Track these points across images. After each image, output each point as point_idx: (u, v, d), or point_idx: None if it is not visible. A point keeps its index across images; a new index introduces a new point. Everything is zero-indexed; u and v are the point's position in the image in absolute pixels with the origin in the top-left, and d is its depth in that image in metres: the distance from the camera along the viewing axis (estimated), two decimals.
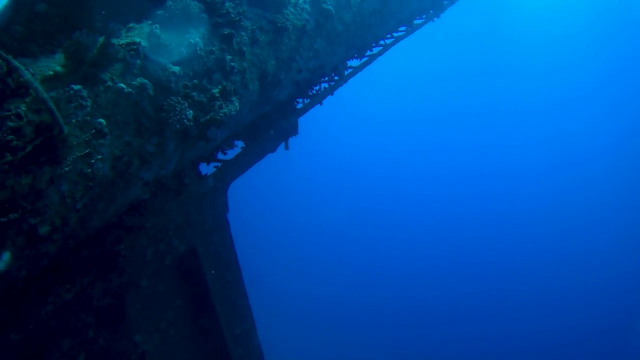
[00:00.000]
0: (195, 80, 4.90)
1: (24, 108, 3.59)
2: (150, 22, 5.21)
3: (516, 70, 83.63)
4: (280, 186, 67.58)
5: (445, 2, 15.52)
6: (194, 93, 4.82)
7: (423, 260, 63.08)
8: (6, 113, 3.48)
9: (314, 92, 8.02)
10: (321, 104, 8.19)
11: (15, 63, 3.74)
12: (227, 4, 5.62)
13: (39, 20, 5.63)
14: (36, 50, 5.55)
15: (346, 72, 8.92)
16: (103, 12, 6.42)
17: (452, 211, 69.73)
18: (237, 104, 5.05)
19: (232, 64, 5.30)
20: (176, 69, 4.72)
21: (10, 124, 3.51)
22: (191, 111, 4.63)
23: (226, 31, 5.38)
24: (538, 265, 62.61)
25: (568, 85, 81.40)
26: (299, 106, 7.89)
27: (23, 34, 5.46)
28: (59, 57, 4.42)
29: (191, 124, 4.58)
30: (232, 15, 5.53)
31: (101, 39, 4.45)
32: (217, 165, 6.74)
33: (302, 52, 6.61)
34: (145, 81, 4.47)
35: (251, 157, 7.30)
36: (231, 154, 7.03)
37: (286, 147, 8.10)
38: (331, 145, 74.48)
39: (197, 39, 5.09)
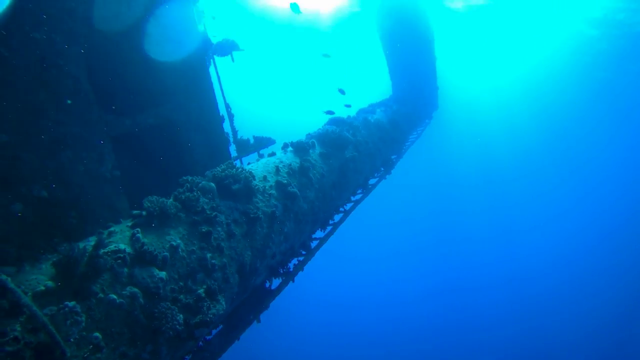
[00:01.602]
0: (181, 283, 5.32)
1: (19, 329, 3.87)
2: (130, 222, 5.70)
3: None
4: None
5: (393, 158, 16.70)
6: (181, 296, 5.23)
7: None
8: (3, 339, 3.74)
9: (284, 270, 8.50)
10: (293, 281, 8.65)
11: (11, 285, 4.09)
12: (201, 200, 6.22)
13: (15, 220, 6.09)
14: (13, 251, 5.97)
15: (313, 245, 9.49)
16: (75, 213, 6.95)
17: None
18: (223, 303, 5.47)
19: (213, 261, 5.77)
20: (162, 274, 5.15)
21: (9, 348, 3.75)
22: (181, 315, 5.01)
23: (204, 229, 5.91)
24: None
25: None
26: (272, 286, 8.32)
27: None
28: (46, 268, 4.73)
29: (182, 328, 4.94)
30: (208, 212, 6.11)
31: (90, 248, 4.86)
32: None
33: (274, 237, 7.19)
34: (135, 290, 4.86)
35: (229, 340, 7.57)
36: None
37: (258, 321, 8.41)
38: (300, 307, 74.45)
39: (178, 240, 5.59)
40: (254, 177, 7.17)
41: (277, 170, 8.18)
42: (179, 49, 9.20)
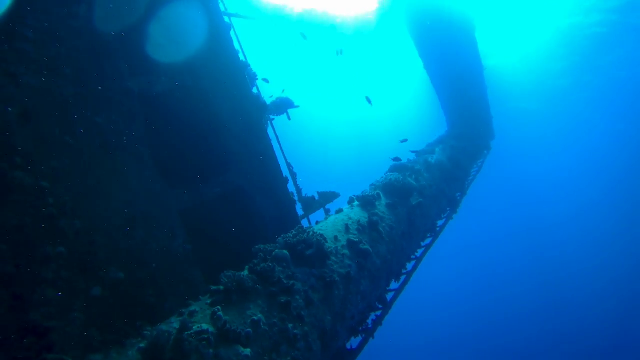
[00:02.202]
0: (265, 358, 5.30)
1: None
2: (209, 300, 5.73)
3: None
4: None
5: (458, 196, 16.48)
6: None
7: None
8: None
9: (363, 328, 8.41)
10: (373, 338, 8.54)
11: None
12: (277, 269, 6.21)
13: (97, 304, 6.22)
14: (97, 334, 6.09)
15: (389, 298, 9.38)
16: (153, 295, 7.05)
17: None
18: None
19: (295, 331, 5.74)
20: (247, 351, 5.13)
21: None
22: None
23: (283, 299, 5.90)
24: None
25: None
26: (353, 344, 8.24)
27: (82, 321, 6.02)
28: (133, 354, 4.79)
29: None
30: (285, 282, 6.09)
31: (174, 331, 4.91)
32: None
33: (352, 298, 7.12)
34: None
35: None
36: None
37: None
38: None
39: (259, 315, 5.58)
40: (325, 239, 7.15)
41: (347, 228, 8.15)
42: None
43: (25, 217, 5.76)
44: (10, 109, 5.97)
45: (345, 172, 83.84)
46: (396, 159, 12.88)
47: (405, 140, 17.40)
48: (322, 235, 7.12)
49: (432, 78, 24.09)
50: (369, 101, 22.71)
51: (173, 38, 8.82)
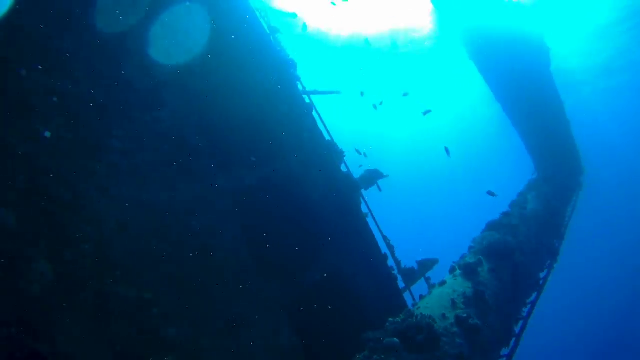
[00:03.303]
0: None
1: None
2: None
3: None
4: None
5: (556, 244, 15.84)
6: None
7: None
8: None
9: None
10: None
11: None
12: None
13: None
14: None
15: None
16: None
17: None
18: None
19: None
20: None
21: None
22: None
23: None
24: None
25: None
26: None
27: None
28: None
29: None
30: None
31: None
32: None
33: None
34: None
35: None
36: None
37: None
38: None
39: None
40: (434, 319, 7.01)
41: (453, 303, 7.97)
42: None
43: (130, 329, 5.74)
44: (106, 223, 6.01)
45: (437, 229, 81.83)
46: (505, 213, 12.69)
47: (492, 193, 16.86)
48: (430, 317, 6.98)
49: (514, 123, 23.46)
50: (448, 152, 22.28)
51: (259, 129, 8.92)
